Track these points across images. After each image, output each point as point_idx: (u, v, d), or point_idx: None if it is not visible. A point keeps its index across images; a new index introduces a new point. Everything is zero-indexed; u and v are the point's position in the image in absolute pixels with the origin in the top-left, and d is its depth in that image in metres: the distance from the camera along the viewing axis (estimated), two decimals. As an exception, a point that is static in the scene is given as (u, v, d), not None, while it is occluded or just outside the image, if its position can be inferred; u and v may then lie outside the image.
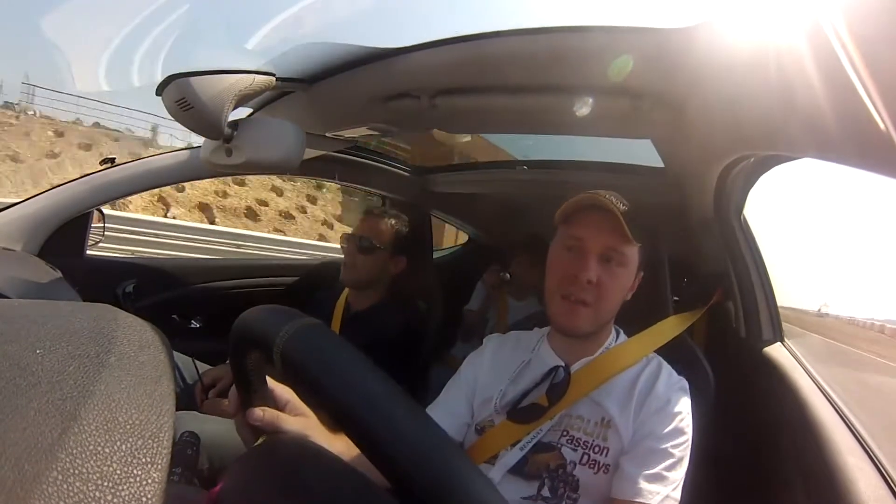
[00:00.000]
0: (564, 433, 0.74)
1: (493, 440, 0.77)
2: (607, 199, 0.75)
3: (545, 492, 0.71)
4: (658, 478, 0.66)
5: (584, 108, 0.87)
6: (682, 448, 0.70)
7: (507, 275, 1.90)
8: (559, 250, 0.80)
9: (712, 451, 0.81)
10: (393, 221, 1.38)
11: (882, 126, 0.35)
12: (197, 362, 1.32)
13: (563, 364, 0.79)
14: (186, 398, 1.26)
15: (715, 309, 1.20)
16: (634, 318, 0.85)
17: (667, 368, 0.79)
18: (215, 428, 1.04)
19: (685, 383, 0.77)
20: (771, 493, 0.85)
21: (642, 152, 1.26)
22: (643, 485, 0.65)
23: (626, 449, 0.71)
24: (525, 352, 0.85)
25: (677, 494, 0.67)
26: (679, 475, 0.68)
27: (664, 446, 0.69)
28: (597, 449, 0.72)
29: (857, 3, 0.34)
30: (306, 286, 1.75)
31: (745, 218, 1.09)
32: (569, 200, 0.78)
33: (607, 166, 1.46)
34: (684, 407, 0.73)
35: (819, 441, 0.73)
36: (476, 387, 0.85)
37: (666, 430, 0.70)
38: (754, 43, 0.51)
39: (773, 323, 1.11)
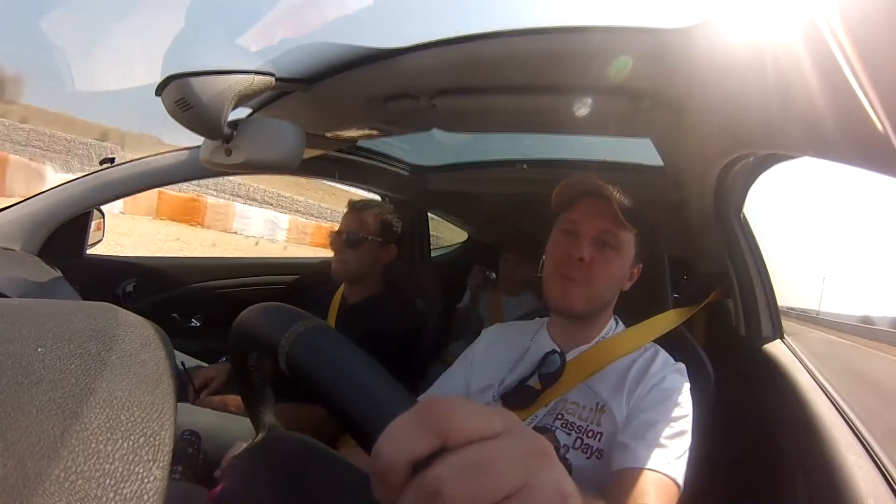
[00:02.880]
0: (559, 417, 0.75)
1: None
2: (601, 183, 0.76)
3: None
4: (659, 445, 0.65)
5: (583, 107, 0.87)
6: (681, 422, 0.69)
7: (493, 274, 1.91)
8: (557, 234, 0.82)
9: (712, 449, 0.81)
10: (376, 211, 1.38)
11: (879, 126, 0.35)
12: (185, 363, 1.32)
13: (558, 350, 0.79)
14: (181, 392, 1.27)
15: (715, 307, 1.20)
16: (634, 313, 0.85)
17: (663, 354, 0.79)
18: (209, 420, 1.05)
19: (682, 367, 0.77)
20: (771, 491, 0.85)
21: (642, 151, 1.26)
22: (643, 452, 0.64)
23: (620, 428, 0.70)
24: (524, 340, 0.86)
25: (681, 465, 0.65)
26: (681, 446, 0.66)
27: (662, 418, 0.68)
28: (590, 434, 0.72)
29: (855, 4, 0.34)
30: (306, 284, 1.76)
31: (744, 216, 1.09)
32: (562, 182, 0.80)
33: (607, 165, 1.46)
34: (681, 385, 0.73)
35: (819, 438, 0.73)
36: (471, 378, 0.86)
37: (663, 406, 0.70)
38: (753, 43, 0.51)
39: (772, 320, 1.11)
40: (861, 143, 0.41)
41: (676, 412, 0.69)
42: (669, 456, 0.64)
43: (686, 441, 0.68)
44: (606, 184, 0.77)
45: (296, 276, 1.91)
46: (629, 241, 0.79)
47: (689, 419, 0.70)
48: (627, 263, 0.80)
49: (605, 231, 0.77)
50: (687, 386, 0.74)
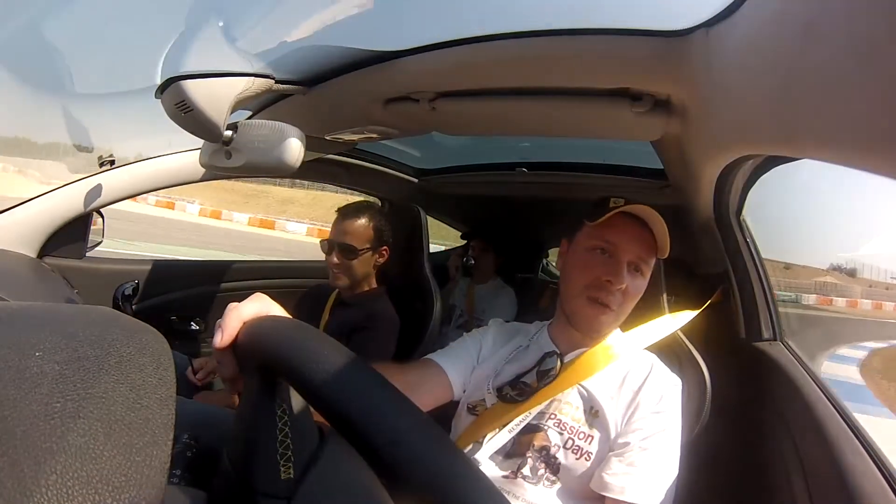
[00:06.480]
0: (552, 416, 0.75)
1: (484, 422, 0.79)
2: (656, 214, 0.76)
3: (525, 471, 0.72)
4: (646, 477, 0.66)
5: (583, 110, 0.87)
6: (670, 448, 0.70)
7: (472, 260, 1.99)
8: (585, 250, 0.79)
9: (711, 451, 0.81)
10: (367, 216, 1.37)
11: (882, 126, 0.35)
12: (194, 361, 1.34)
13: (557, 351, 0.81)
14: (183, 388, 1.29)
15: (714, 308, 1.20)
16: (630, 316, 0.85)
17: (659, 366, 0.80)
18: (197, 408, 1.06)
19: (678, 382, 0.78)
20: (771, 493, 0.85)
21: (641, 154, 1.26)
22: (630, 484, 0.66)
23: (612, 444, 0.71)
24: (524, 339, 0.88)
25: (665, 495, 0.67)
26: (666, 474, 0.68)
27: (652, 445, 0.69)
28: (581, 436, 0.73)
29: (856, 3, 0.34)
30: (304, 286, 1.76)
31: (744, 218, 1.10)
32: (613, 207, 0.78)
33: (607, 168, 1.47)
34: (675, 407, 0.74)
35: (819, 440, 0.73)
36: (480, 354, 0.88)
37: (655, 430, 0.70)
38: (754, 45, 0.51)
39: (772, 322, 1.11)
40: (865, 145, 0.41)
41: (668, 439, 0.70)
42: (656, 489, 0.66)
43: (674, 466, 0.69)
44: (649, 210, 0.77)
45: (294, 279, 1.91)
46: (653, 264, 0.80)
47: (678, 443, 0.71)
48: (646, 284, 0.81)
49: (641, 259, 0.77)
50: (680, 407, 0.75)
